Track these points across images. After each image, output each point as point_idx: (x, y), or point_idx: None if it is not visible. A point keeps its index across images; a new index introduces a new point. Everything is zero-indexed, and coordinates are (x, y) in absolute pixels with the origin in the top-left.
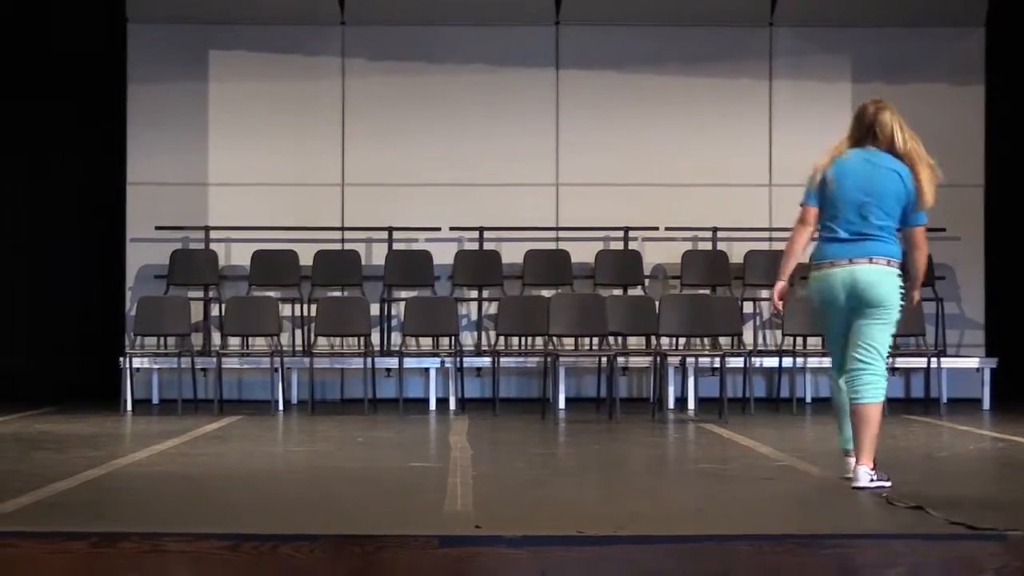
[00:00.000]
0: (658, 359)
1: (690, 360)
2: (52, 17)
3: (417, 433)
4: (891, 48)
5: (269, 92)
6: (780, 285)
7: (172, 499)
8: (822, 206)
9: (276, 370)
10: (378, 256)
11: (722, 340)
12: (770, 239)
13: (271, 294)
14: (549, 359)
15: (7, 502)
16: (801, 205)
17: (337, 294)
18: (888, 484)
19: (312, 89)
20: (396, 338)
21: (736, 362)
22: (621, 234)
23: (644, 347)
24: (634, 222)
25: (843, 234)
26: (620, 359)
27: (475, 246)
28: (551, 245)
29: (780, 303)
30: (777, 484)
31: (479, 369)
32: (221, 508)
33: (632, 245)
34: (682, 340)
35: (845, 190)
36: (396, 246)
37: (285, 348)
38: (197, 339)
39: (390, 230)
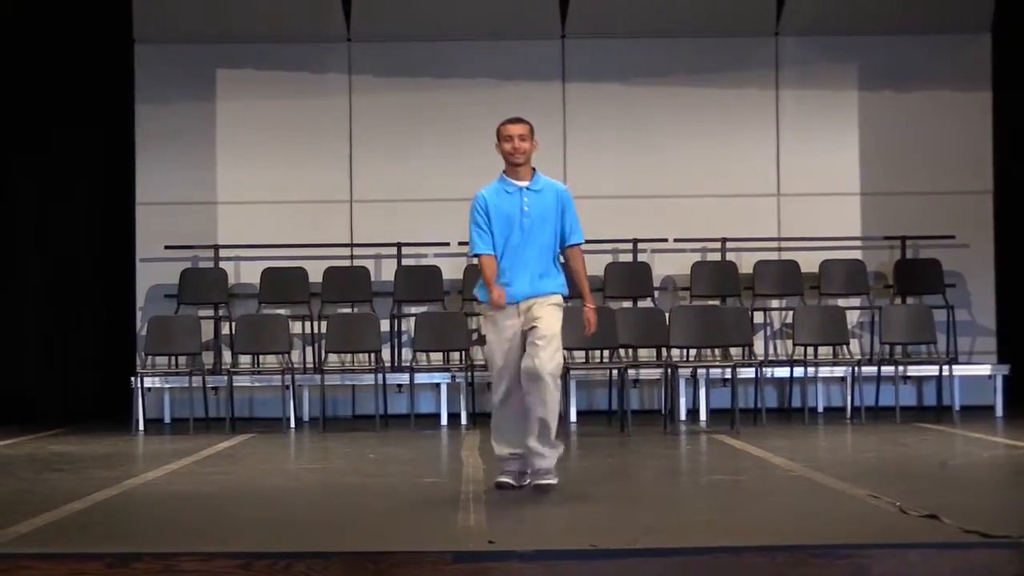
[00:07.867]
0: (669, 371)
1: (701, 371)
2: (59, 39)
3: (429, 449)
4: (898, 55)
5: (276, 110)
6: None
7: (185, 518)
8: None
9: (287, 388)
10: (387, 272)
11: (733, 351)
12: (779, 248)
13: (281, 311)
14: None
15: (22, 523)
16: None
17: (347, 310)
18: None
19: (319, 106)
20: (407, 354)
21: (747, 372)
22: (630, 246)
23: (655, 359)
24: (643, 234)
25: None
26: (631, 371)
27: None
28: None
29: None
30: (790, 494)
31: (490, 384)
32: (234, 527)
33: (641, 257)
34: (693, 351)
35: None
36: (405, 262)
37: (296, 365)
38: (208, 358)
39: (399, 246)
